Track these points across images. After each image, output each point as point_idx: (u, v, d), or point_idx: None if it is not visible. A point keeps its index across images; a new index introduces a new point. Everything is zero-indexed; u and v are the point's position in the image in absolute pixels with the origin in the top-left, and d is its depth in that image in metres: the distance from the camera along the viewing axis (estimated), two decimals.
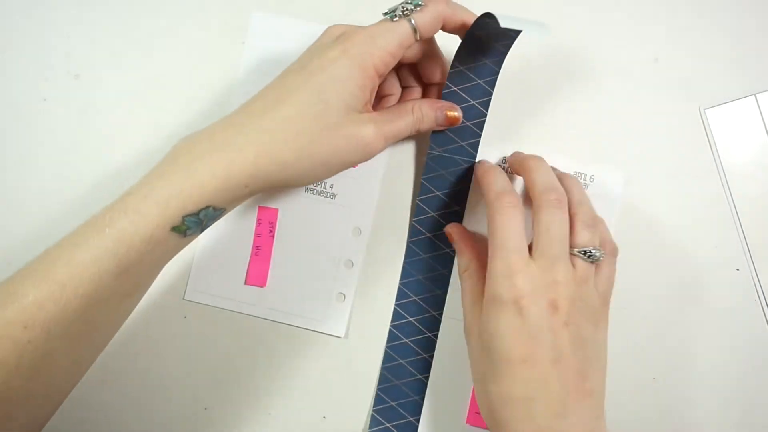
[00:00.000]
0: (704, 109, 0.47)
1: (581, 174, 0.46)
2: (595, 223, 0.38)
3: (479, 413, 0.43)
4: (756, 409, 0.45)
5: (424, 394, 0.43)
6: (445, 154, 0.42)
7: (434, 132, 0.42)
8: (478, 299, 0.37)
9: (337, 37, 0.37)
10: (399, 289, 0.44)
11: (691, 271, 0.45)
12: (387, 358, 0.44)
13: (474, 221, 0.44)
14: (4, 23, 0.47)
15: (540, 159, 0.41)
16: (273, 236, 0.46)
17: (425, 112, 0.40)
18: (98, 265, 0.31)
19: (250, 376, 0.45)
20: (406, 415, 0.43)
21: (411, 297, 0.44)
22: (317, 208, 0.46)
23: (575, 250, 0.36)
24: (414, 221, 0.44)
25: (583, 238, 0.37)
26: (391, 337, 0.44)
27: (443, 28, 0.38)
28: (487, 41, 0.39)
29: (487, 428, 0.43)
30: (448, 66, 0.41)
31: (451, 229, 0.42)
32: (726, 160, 0.46)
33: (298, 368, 0.45)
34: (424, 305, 0.44)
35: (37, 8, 0.47)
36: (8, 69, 0.47)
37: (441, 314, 0.44)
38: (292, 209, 0.46)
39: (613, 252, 0.40)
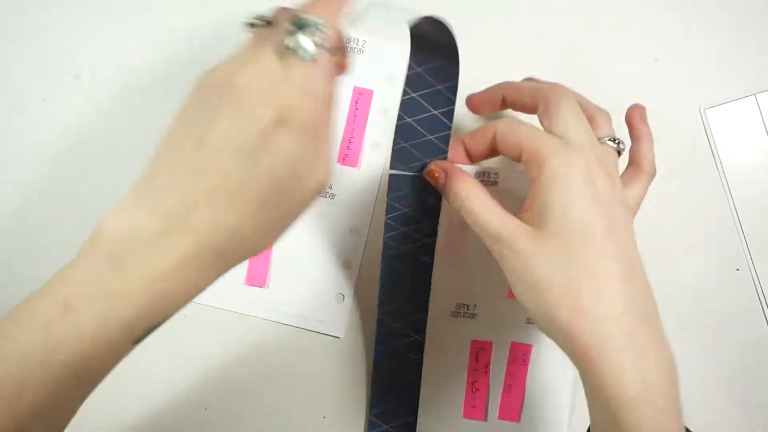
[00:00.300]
0: (704, 109, 0.47)
1: None
2: (609, 117, 0.36)
3: (475, 407, 0.43)
4: (756, 409, 0.45)
5: (419, 392, 0.43)
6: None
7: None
8: (506, 213, 0.33)
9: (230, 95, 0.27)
10: (379, 296, 0.42)
11: (691, 271, 0.45)
12: (377, 364, 0.43)
13: None
14: (5, 23, 0.47)
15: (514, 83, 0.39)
16: None
17: None
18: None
19: (250, 376, 0.45)
20: (403, 414, 0.43)
21: (392, 302, 0.42)
22: (316, 209, 0.46)
23: (604, 138, 0.34)
24: (388, 219, 0.41)
25: (606, 126, 0.35)
26: (379, 342, 0.43)
27: None
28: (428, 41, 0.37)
29: (483, 418, 0.43)
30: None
31: (438, 164, 0.37)
32: (726, 160, 0.46)
33: (298, 368, 0.45)
34: (408, 308, 0.42)
35: (37, 8, 0.47)
36: (8, 69, 0.47)
37: (425, 317, 0.42)
38: None
39: (652, 173, 0.37)
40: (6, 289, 0.46)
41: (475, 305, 0.43)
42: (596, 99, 0.47)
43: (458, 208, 0.34)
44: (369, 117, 0.46)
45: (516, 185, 0.38)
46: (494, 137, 0.35)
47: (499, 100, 0.39)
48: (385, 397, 0.43)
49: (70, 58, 0.47)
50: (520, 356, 0.43)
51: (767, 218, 0.46)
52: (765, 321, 0.45)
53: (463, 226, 0.39)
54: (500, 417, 0.43)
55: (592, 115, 0.35)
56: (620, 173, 0.35)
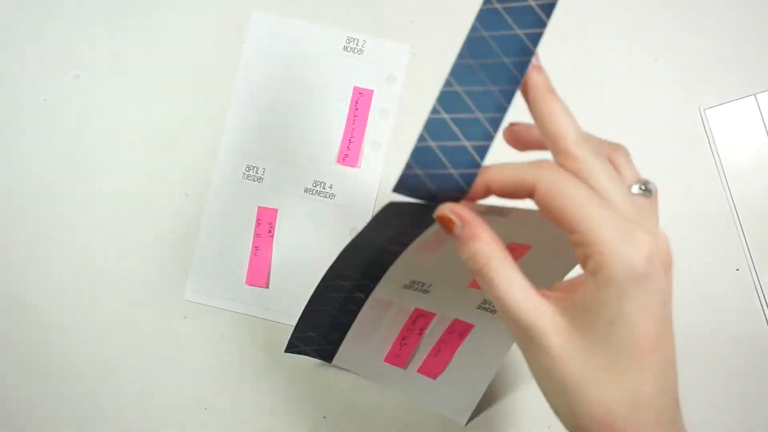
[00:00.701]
0: (704, 109, 0.47)
1: None
2: (628, 154, 0.31)
3: (398, 356, 0.43)
4: (756, 409, 0.45)
5: (346, 332, 0.42)
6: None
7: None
8: (535, 292, 0.28)
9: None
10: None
11: (691, 271, 0.45)
12: (311, 301, 0.40)
13: None
14: (5, 23, 0.47)
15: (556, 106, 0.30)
16: (272, 236, 0.46)
17: None
18: None
19: (250, 376, 0.45)
20: (325, 343, 0.43)
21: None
22: (316, 209, 0.46)
23: (635, 187, 0.30)
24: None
25: (631, 172, 0.30)
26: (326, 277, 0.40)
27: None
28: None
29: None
30: None
31: (455, 210, 0.29)
32: (726, 160, 0.46)
33: (298, 368, 0.45)
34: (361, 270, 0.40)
35: (37, 8, 0.47)
36: (9, 69, 0.47)
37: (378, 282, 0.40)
38: (291, 209, 0.46)
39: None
40: (6, 288, 0.46)
41: (431, 284, 0.42)
42: (596, 99, 0.47)
43: (474, 272, 0.29)
44: (369, 117, 0.46)
45: (532, 220, 0.32)
46: (533, 189, 0.28)
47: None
48: (310, 327, 0.42)
49: (70, 58, 0.47)
50: (458, 330, 0.43)
51: (767, 218, 0.46)
52: (765, 321, 0.45)
53: (443, 240, 0.35)
54: (419, 370, 0.44)
55: (611, 159, 0.30)
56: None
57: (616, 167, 0.30)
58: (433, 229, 0.35)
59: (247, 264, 0.46)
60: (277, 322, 0.46)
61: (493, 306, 0.42)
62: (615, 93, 0.47)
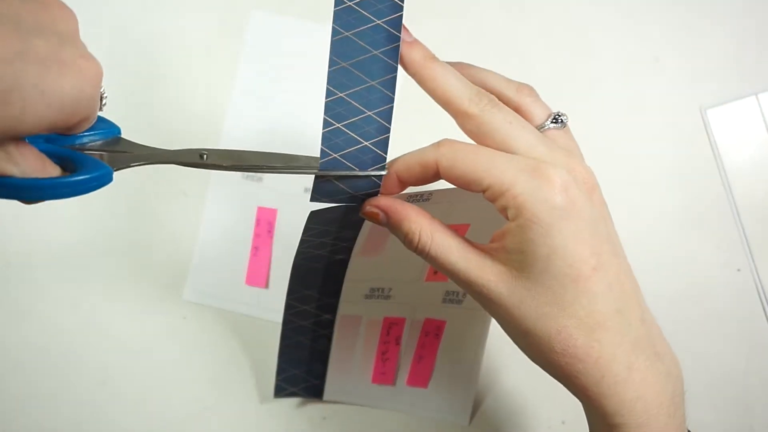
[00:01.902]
0: (705, 109, 0.47)
1: None
2: (533, 92, 0.32)
3: (384, 373, 0.43)
4: (756, 409, 0.45)
5: (327, 361, 0.43)
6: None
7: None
8: (471, 250, 0.29)
9: None
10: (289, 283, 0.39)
11: (692, 271, 0.45)
12: (284, 335, 0.41)
13: None
14: None
15: (436, 66, 0.31)
16: (272, 236, 0.46)
17: None
18: None
19: (250, 376, 0.45)
20: (311, 378, 0.43)
21: (302, 291, 0.40)
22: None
23: (546, 124, 0.31)
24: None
25: (540, 109, 0.31)
26: (286, 318, 0.41)
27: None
28: None
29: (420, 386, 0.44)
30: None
31: (375, 203, 0.31)
32: (726, 160, 0.46)
33: None
34: (317, 297, 0.40)
35: None
36: None
37: (338, 300, 0.41)
38: (290, 209, 0.46)
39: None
40: (5, 286, 0.46)
41: (390, 288, 0.42)
42: (597, 99, 0.47)
43: (417, 252, 0.30)
44: None
45: (454, 197, 0.33)
46: (437, 167, 0.29)
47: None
48: (292, 364, 0.43)
49: None
50: (433, 330, 0.43)
51: (767, 218, 0.46)
52: (765, 321, 0.45)
53: (384, 233, 0.35)
54: (408, 383, 0.44)
55: (516, 102, 0.31)
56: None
57: (523, 109, 0.31)
58: (368, 227, 0.35)
59: (247, 264, 0.46)
60: (277, 323, 0.45)
61: (457, 296, 0.42)
62: (615, 93, 0.47)
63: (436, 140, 0.29)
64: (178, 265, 0.46)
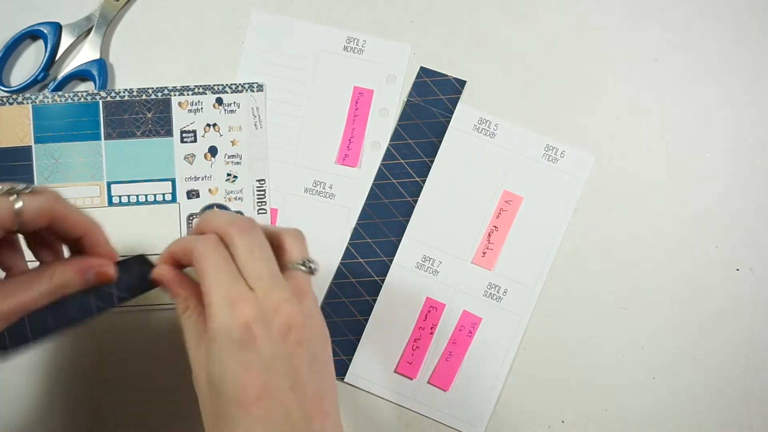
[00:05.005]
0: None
1: (553, 148, 0.46)
2: (300, 236, 0.35)
3: (410, 363, 0.44)
4: (756, 409, 0.45)
5: (361, 335, 0.44)
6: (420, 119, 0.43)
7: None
8: (202, 338, 0.32)
9: None
10: (354, 229, 0.45)
11: (691, 271, 0.45)
12: (330, 293, 0.44)
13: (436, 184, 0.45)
14: (5, 24, 0.47)
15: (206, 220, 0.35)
16: None
17: (68, 277, 0.33)
18: None
19: None
20: (339, 352, 0.44)
21: (365, 239, 0.44)
22: (316, 208, 0.46)
23: (295, 263, 0.34)
24: (382, 165, 0.45)
25: (297, 249, 0.34)
26: (339, 274, 0.45)
27: (54, 229, 0.32)
28: None
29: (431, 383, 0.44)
30: (86, 216, 0.33)
31: (160, 271, 0.35)
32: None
33: None
34: (377, 249, 0.44)
35: (36, 8, 0.47)
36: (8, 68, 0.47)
37: (392, 261, 0.44)
38: (291, 209, 0.46)
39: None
40: None
41: (440, 262, 0.44)
42: (597, 99, 0.47)
43: (180, 316, 0.34)
44: (369, 117, 0.46)
45: None
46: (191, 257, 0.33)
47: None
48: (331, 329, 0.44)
49: None
50: (467, 326, 0.44)
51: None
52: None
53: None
54: (431, 381, 0.44)
55: (279, 240, 0.34)
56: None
57: (282, 247, 0.34)
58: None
59: None
60: None
61: (498, 291, 0.44)
62: (615, 93, 0.47)
63: None
64: None
